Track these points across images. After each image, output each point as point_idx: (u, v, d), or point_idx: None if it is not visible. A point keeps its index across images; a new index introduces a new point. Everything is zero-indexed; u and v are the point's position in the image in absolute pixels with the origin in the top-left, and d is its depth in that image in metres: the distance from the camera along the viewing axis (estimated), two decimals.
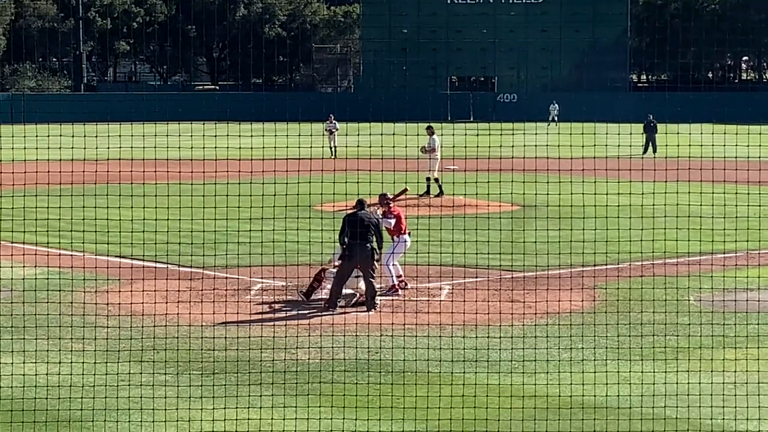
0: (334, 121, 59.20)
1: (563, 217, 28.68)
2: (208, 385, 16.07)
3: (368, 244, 21.53)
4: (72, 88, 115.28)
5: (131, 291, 21.67)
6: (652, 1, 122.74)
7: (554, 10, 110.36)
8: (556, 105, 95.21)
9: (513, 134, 59.94)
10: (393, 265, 23.00)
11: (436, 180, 39.44)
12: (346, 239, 21.56)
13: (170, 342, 18.62)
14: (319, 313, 21.21)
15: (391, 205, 23.42)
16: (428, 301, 22.31)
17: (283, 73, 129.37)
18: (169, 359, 17.65)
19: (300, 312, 21.27)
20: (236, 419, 14.61)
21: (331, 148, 56.90)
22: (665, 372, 16.55)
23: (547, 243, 26.07)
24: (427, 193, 39.25)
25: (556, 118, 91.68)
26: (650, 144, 61.19)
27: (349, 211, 22.20)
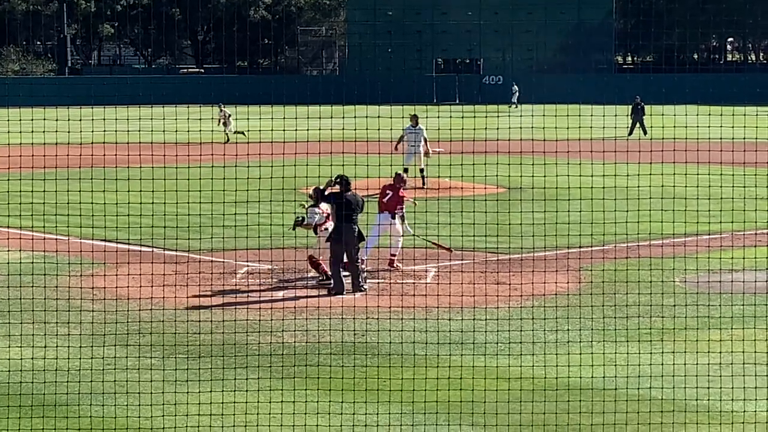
0: (224, 110, 58.21)
1: (549, 199, 28.68)
2: (194, 368, 16.07)
3: (354, 225, 21.59)
4: (56, 71, 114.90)
5: (117, 275, 21.64)
6: None
7: None
8: (516, 87, 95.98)
9: (498, 116, 59.95)
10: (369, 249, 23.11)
11: (422, 170, 38.76)
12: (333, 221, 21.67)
13: (156, 326, 18.61)
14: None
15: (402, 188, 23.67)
16: (414, 283, 22.33)
17: (268, 56, 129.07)
18: (156, 343, 17.64)
19: (286, 295, 21.27)
20: (223, 402, 14.61)
21: (226, 133, 54.33)
22: (651, 353, 16.60)
23: (532, 225, 26.12)
24: (424, 184, 38.71)
25: (516, 101, 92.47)
26: (636, 126, 61.22)
27: (335, 191, 22.13)
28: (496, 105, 70.68)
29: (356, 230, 21.68)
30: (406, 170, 38.00)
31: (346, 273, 21.65)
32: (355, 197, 21.91)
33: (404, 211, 23.97)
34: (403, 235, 23.82)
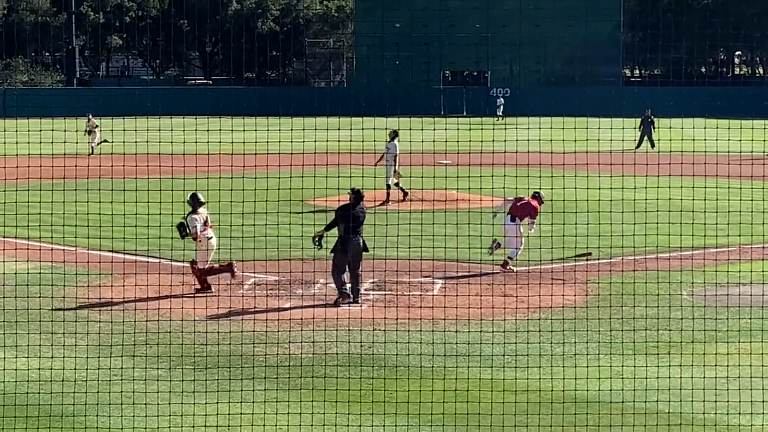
0: (92, 120, 57.87)
1: (556, 211, 28.65)
2: (201, 379, 16.07)
3: (359, 237, 21.76)
4: (65, 82, 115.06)
5: (124, 286, 21.65)
6: None
7: (547, 5, 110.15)
8: (502, 99, 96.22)
9: (505, 128, 59.94)
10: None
11: (396, 185, 37.54)
12: (337, 232, 21.78)
13: (163, 337, 18.61)
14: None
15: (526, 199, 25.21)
16: (421, 295, 22.32)
17: (276, 68, 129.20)
18: (162, 354, 17.64)
19: (293, 306, 21.27)
20: (229, 414, 14.60)
21: (91, 145, 53.20)
22: (658, 366, 16.56)
23: (540, 237, 26.10)
24: (387, 201, 36.80)
25: (501, 113, 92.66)
26: (644, 138, 61.24)
27: (342, 204, 22.23)
28: (504, 117, 70.65)
29: (360, 242, 21.80)
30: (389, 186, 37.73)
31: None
32: (363, 211, 22.06)
33: (533, 225, 25.33)
34: (517, 248, 24.93)
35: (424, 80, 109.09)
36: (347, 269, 21.69)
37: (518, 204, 25.21)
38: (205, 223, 22.80)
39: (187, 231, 22.57)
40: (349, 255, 21.58)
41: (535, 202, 25.32)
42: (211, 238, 22.94)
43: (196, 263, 22.69)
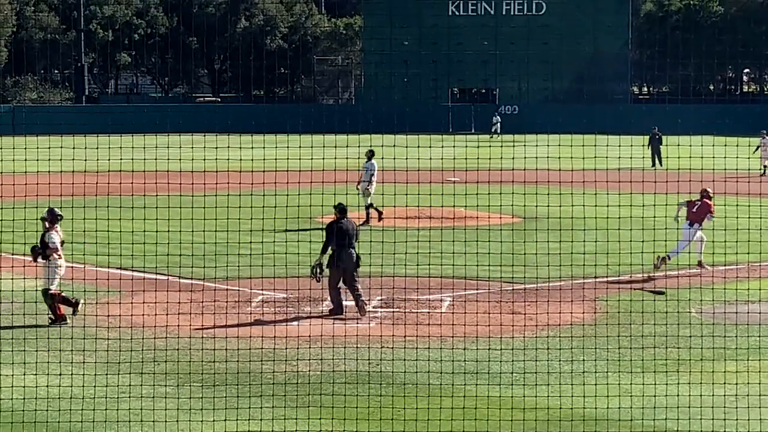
0: None
1: (564, 229, 28.64)
2: (208, 397, 16.06)
3: (352, 250, 22.07)
4: (74, 100, 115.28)
5: (132, 303, 21.66)
6: (653, 13, 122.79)
7: (555, 23, 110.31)
8: (498, 117, 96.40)
9: (514, 146, 59.95)
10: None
11: (371, 205, 36.12)
12: (330, 247, 22.10)
13: (171, 354, 18.60)
14: (333, 321, 21.36)
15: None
16: (429, 313, 22.30)
17: (284, 85, 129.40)
18: (170, 371, 17.63)
19: (301, 323, 21.26)
20: (237, 431, 14.58)
21: None
22: (666, 384, 16.53)
23: (548, 255, 26.08)
24: (367, 221, 35.63)
25: (498, 131, 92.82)
26: (656, 156, 61.26)
27: (330, 221, 22.58)
28: (512, 135, 70.68)
29: (354, 255, 22.10)
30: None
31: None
32: (350, 224, 22.44)
33: (711, 218, 26.36)
34: (703, 240, 26.21)
35: (432, 97, 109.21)
36: (342, 283, 22.00)
37: (693, 210, 26.34)
38: (63, 243, 21.87)
39: (44, 251, 21.35)
40: (342, 268, 21.86)
41: (707, 200, 26.41)
42: (61, 258, 21.84)
43: (50, 290, 21.44)
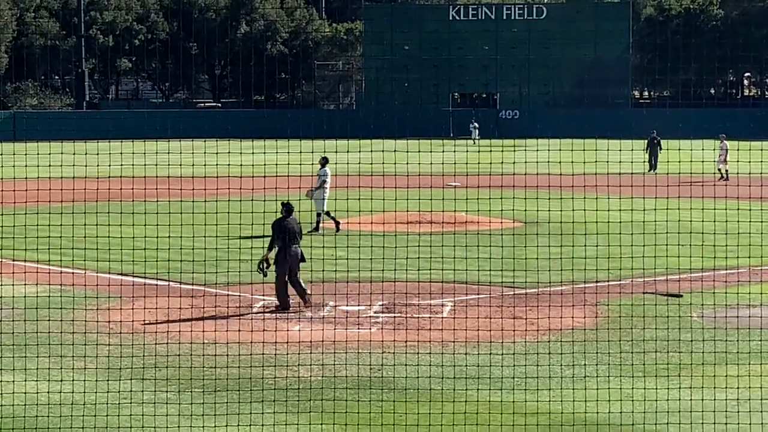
0: None
1: (565, 233, 28.63)
2: (210, 402, 16.04)
3: (297, 248, 22.90)
4: (74, 105, 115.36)
5: (133, 309, 21.64)
6: (653, 17, 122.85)
7: (556, 27, 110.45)
8: (476, 124, 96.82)
9: (515, 151, 59.93)
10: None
11: (327, 213, 35.08)
12: (276, 245, 22.85)
13: (172, 360, 18.59)
14: (277, 316, 22.05)
15: None
16: (430, 317, 22.28)
17: (285, 91, 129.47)
18: (171, 377, 17.62)
19: (302, 329, 21.25)
20: None
21: None
22: (668, 389, 16.51)
23: (549, 259, 26.05)
24: (316, 229, 34.71)
25: (477, 137, 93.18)
26: (653, 160, 61.23)
27: (276, 219, 23.13)
28: (513, 139, 70.69)
29: (299, 253, 22.93)
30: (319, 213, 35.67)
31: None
32: (295, 223, 23.19)
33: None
34: None
35: (433, 102, 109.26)
36: (287, 280, 22.74)
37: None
38: None
39: None
40: (288, 264, 22.61)
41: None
42: None
43: None
